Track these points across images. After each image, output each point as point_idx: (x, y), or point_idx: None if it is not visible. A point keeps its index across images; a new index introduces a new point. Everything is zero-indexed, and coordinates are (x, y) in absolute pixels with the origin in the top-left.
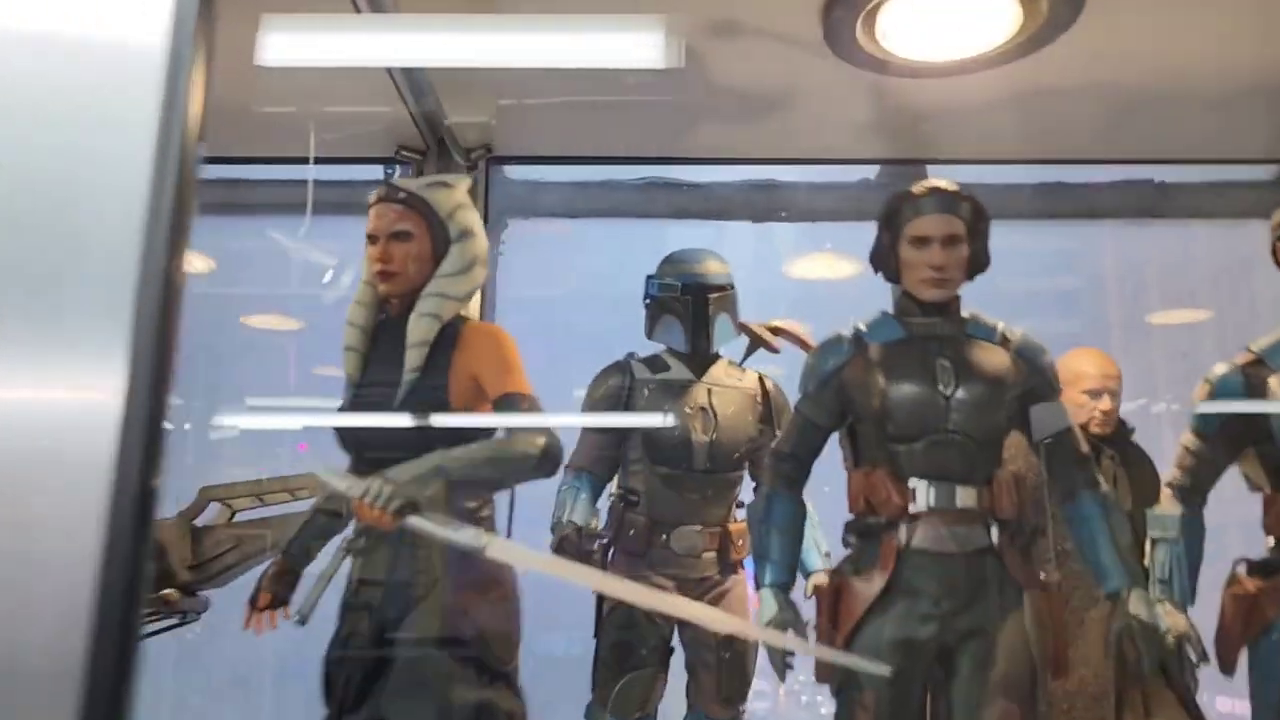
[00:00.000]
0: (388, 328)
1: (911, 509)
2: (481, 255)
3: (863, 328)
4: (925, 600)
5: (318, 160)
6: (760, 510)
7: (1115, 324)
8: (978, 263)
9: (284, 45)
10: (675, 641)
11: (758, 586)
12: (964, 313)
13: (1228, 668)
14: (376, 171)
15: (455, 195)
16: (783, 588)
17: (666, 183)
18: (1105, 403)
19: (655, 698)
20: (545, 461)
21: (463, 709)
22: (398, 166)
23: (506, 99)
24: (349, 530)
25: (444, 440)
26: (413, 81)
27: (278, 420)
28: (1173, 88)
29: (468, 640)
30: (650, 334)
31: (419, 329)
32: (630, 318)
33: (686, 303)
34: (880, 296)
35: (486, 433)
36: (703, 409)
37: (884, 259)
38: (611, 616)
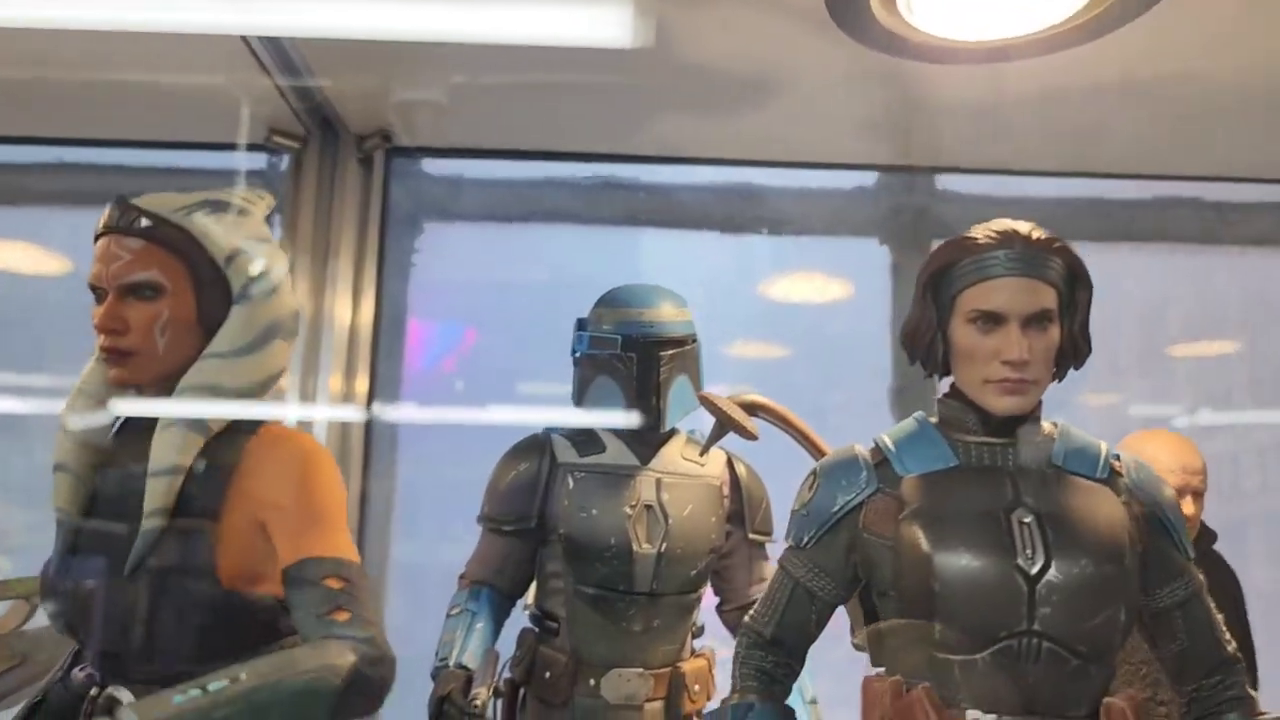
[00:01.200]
0: (125, 440)
1: None
2: (285, 322)
3: (889, 444)
4: None
5: (163, 145)
6: None
7: (1143, 364)
8: (1076, 352)
9: None
10: None
11: None
12: (1045, 425)
13: None
14: (257, 160)
15: (244, 224)
16: None
17: (621, 184)
18: (1187, 506)
19: None
20: (353, 695)
21: None
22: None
23: (418, 79)
24: None
25: (212, 637)
26: (281, 57)
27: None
28: (1261, 91)
29: None
30: (579, 401)
31: (167, 446)
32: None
33: (630, 362)
34: (876, 325)
35: (273, 628)
36: (649, 508)
37: (924, 341)
38: None
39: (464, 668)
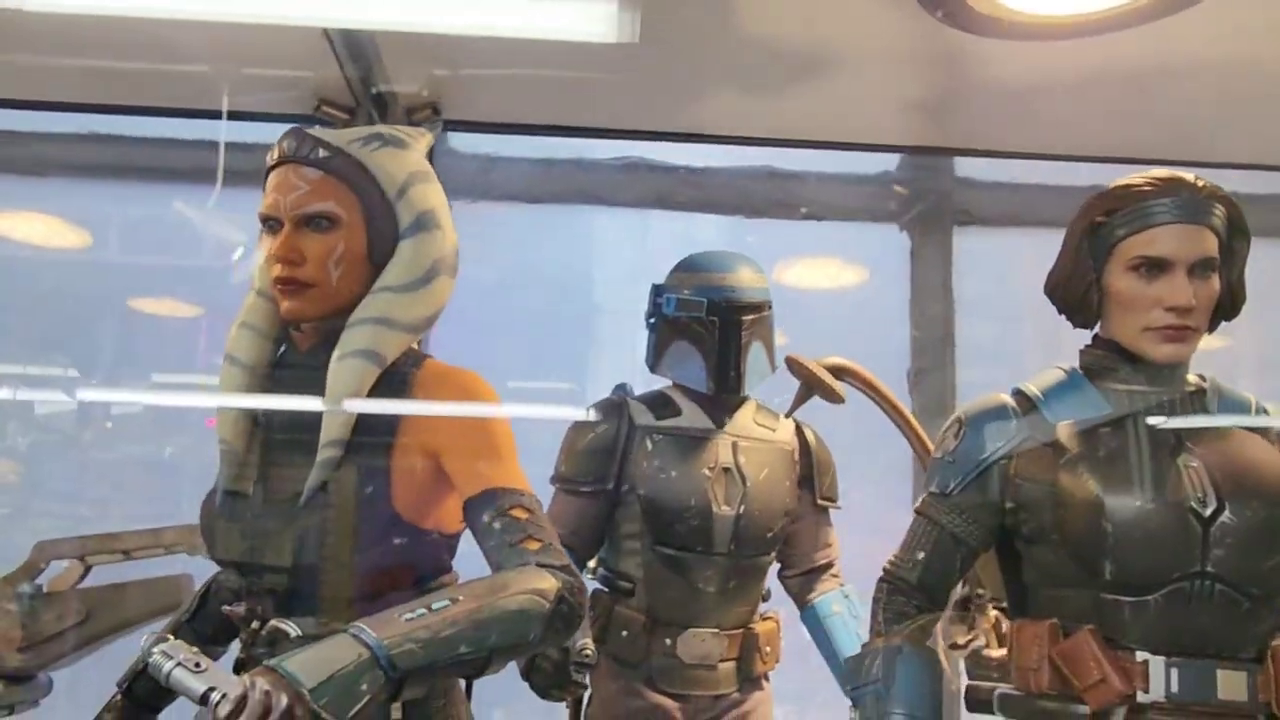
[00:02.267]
0: (292, 372)
1: (1140, 699)
2: (448, 257)
3: (1036, 393)
4: None
5: (201, 115)
6: (874, 676)
7: None
8: (1233, 303)
9: None
10: None
11: None
12: (1192, 377)
13: None
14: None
15: (410, 159)
16: None
17: (650, 165)
18: None
19: None
20: (558, 621)
21: None
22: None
23: (457, 56)
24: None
25: (381, 570)
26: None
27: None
28: None
29: None
30: (655, 365)
31: (345, 377)
32: (608, 331)
33: (712, 326)
34: (894, 310)
35: (438, 564)
36: (726, 470)
37: (1077, 291)
38: None
39: None
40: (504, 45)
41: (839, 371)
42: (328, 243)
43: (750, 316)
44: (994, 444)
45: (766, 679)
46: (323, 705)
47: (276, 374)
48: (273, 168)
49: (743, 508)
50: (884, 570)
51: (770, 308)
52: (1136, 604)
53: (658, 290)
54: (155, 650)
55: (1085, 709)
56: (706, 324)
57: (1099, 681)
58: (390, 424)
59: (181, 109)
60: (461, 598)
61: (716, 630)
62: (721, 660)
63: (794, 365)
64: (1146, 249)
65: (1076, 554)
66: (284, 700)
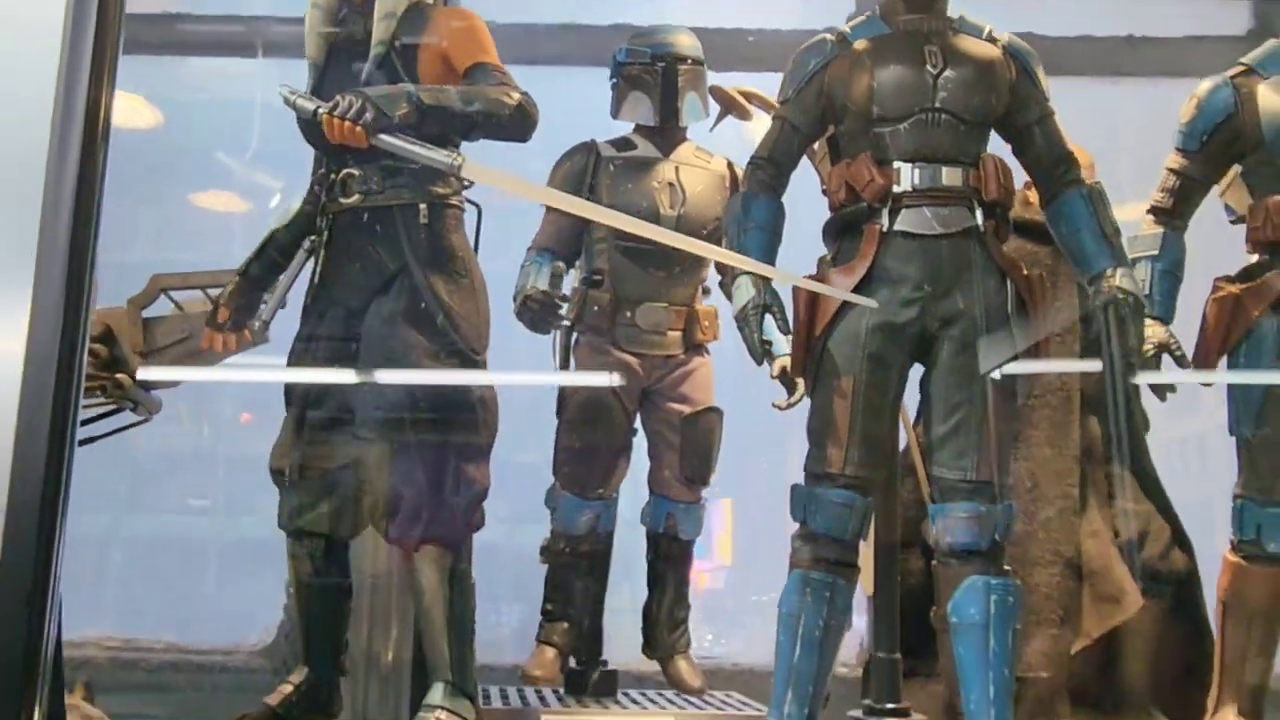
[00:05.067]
0: (352, 13)
1: (895, 190)
2: None
3: (846, 29)
4: (907, 285)
5: None
6: (737, 211)
7: None
8: None
9: None
10: (637, 424)
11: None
12: (950, 13)
13: (1208, 368)
14: None
15: None
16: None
17: (633, 28)
18: None
19: (616, 478)
20: (519, 116)
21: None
22: None
23: None
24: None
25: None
26: None
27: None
28: None
29: (437, 320)
30: (616, 112)
31: (387, 2)
32: None
33: (656, 73)
34: None
35: None
36: (670, 184)
37: None
38: (574, 397)
39: (536, 287)
40: None
41: (748, 96)
42: None
43: (685, 66)
44: (815, 60)
45: (706, 350)
46: (380, 105)
47: (343, 18)
48: None
49: (682, 210)
50: (750, 158)
51: (703, 65)
52: (893, 131)
53: (616, 53)
54: (282, 89)
55: (864, 204)
56: (652, 71)
57: (870, 181)
58: (415, 34)
59: None
60: (460, 88)
61: (667, 305)
62: (670, 329)
63: (715, 91)
64: None
65: (859, 112)
66: (359, 101)
